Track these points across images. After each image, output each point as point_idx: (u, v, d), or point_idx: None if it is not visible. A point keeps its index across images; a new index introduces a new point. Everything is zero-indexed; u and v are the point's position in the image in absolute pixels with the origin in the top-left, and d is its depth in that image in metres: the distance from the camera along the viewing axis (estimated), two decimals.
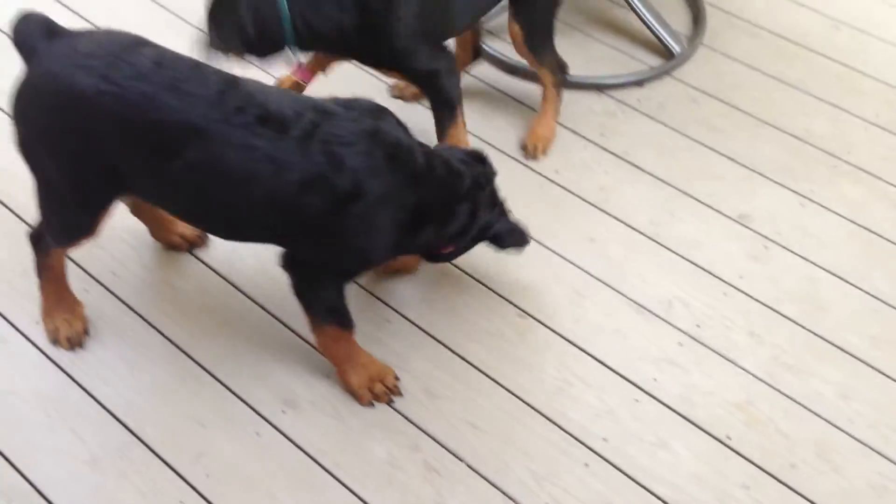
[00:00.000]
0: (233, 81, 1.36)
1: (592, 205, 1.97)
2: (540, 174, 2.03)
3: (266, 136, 1.32)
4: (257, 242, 1.57)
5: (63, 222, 1.50)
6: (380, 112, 1.46)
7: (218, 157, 1.31)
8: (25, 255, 1.62)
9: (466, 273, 1.81)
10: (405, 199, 1.42)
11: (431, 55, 1.81)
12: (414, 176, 1.43)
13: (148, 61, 1.32)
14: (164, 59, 1.34)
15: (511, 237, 1.65)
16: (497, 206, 1.64)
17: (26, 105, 1.36)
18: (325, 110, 1.39)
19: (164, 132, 1.31)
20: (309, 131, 1.34)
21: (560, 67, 2.06)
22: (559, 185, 2.01)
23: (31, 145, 1.39)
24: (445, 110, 1.85)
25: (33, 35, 1.34)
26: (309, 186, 1.34)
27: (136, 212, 1.71)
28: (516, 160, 2.05)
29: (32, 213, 1.80)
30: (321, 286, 1.49)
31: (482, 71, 2.26)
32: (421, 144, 1.49)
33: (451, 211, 1.52)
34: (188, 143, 1.31)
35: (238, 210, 1.39)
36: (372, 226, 1.41)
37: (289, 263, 1.49)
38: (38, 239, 1.55)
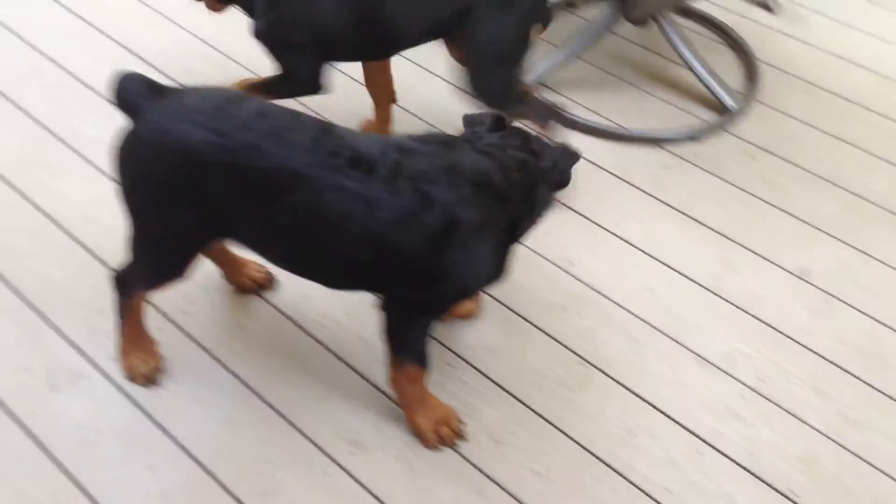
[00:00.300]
0: (327, 128, 1.42)
1: (649, 255, 2.00)
2: (597, 224, 2.06)
3: (357, 178, 1.37)
4: (355, 289, 1.60)
5: (155, 266, 1.56)
6: (453, 143, 1.50)
7: (315, 200, 1.37)
8: (105, 295, 1.68)
9: (526, 320, 1.84)
10: (497, 220, 1.46)
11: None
12: (500, 196, 1.46)
13: (251, 112, 1.39)
14: (266, 110, 1.41)
15: (568, 165, 1.56)
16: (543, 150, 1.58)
17: (132, 157, 1.42)
18: (406, 148, 1.44)
19: (266, 178, 1.36)
20: (395, 170, 1.39)
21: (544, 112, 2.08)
22: (616, 234, 2.04)
23: (133, 194, 1.46)
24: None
25: (137, 93, 1.41)
26: (402, 224, 1.39)
27: (210, 255, 1.77)
28: (574, 211, 2.09)
29: (112, 255, 1.89)
30: (412, 325, 1.53)
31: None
32: (489, 154, 1.49)
33: (533, 201, 1.52)
34: (288, 188, 1.37)
35: (335, 253, 1.44)
36: (472, 254, 1.45)
37: (386, 304, 1.53)
38: (122, 282, 1.61)
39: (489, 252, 1.47)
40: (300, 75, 1.99)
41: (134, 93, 1.41)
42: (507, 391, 1.71)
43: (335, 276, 1.52)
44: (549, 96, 2.36)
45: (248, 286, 1.84)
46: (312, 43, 1.93)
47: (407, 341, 1.54)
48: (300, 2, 1.89)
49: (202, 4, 2.03)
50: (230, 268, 1.82)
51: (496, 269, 1.51)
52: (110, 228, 1.95)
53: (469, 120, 1.58)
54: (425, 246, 1.40)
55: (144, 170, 1.42)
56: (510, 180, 1.47)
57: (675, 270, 1.97)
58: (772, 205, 2.14)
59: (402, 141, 1.47)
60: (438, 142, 1.48)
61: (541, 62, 2.42)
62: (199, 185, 1.39)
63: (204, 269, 1.82)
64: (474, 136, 1.52)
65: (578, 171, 2.16)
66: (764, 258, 2.00)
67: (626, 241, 2.03)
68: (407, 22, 1.92)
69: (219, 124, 1.37)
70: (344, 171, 1.37)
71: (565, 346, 1.80)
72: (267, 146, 1.36)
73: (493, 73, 1.98)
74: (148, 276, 1.58)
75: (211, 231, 1.49)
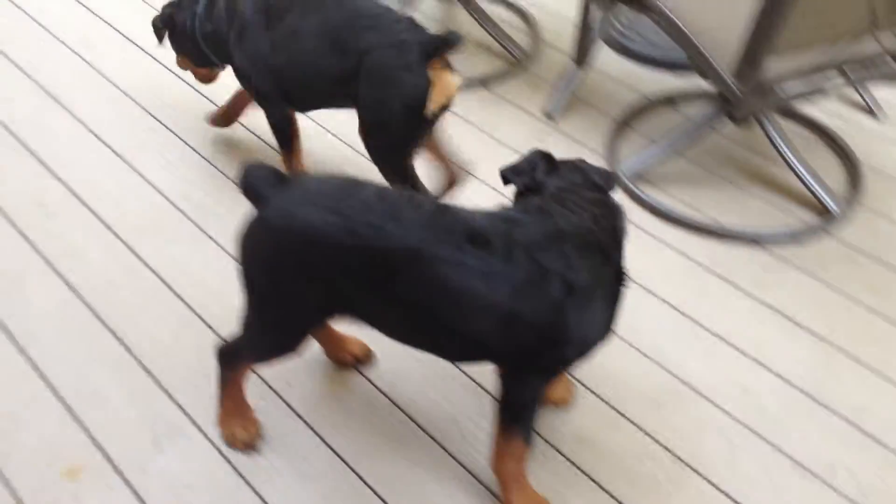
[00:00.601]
0: (442, 207, 1.49)
1: (746, 354, 1.97)
2: (691, 318, 2.05)
3: (475, 254, 1.42)
4: (473, 361, 1.65)
5: (269, 343, 1.62)
6: (544, 205, 1.54)
7: (436, 276, 1.42)
8: (209, 359, 1.74)
9: (620, 412, 1.83)
10: (604, 272, 1.51)
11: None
12: (601, 249, 1.50)
13: (371, 195, 1.46)
14: (384, 193, 1.49)
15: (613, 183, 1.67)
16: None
17: (259, 240, 1.51)
18: (512, 219, 1.49)
19: (388, 257, 1.43)
20: (508, 242, 1.44)
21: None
22: (711, 331, 2.03)
23: (257, 275, 1.53)
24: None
25: (263, 182, 1.50)
26: (522, 294, 1.43)
27: (319, 336, 1.84)
28: (670, 305, 2.09)
29: (218, 321, 1.97)
30: (528, 392, 1.55)
31: (639, 217, 2.34)
32: (574, 205, 1.53)
33: (620, 238, 1.58)
34: (409, 266, 1.43)
35: (456, 327, 1.48)
36: (589, 314, 1.49)
37: (505, 373, 1.56)
38: (228, 355, 1.67)
39: (603, 307, 1.52)
40: (271, 105, 2.21)
41: (260, 181, 1.50)
42: (599, 484, 1.70)
43: (454, 348, 1.56)
44: (648, 190, 2.39)
45: (348, 361, 1.89)
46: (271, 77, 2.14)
47: (521, 412, 1.56)
48: (253, 39, 2.11)
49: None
50: (331, 343, 1.88)
51: (610, 321, 1.55)
52: (218, 294, 2.04)
53: (515, 171, 1.64)
54: (545, 313, 1.45)
55: (270, 252, 1.49)
56: (602, 227, 1.53)
57: (773, 373, 1.94)
58: (878, 313, 2.09)
59: (506, 213, 1.53)
60: (534, 207, 1.53)
61: (639, 156, 2.46)
62: (323, 264, 1.45)
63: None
64: (540, 184, 1.58)
65: (674, 263, 2.20)
66: (870, 368, 1.95)
67: (722, 339, 2.01)
68: (299, 79, 2.10)
69: (341, 207, 1.44)
70: (462, 248, 1.42)
71: (659, 443, 1.78)
72: (388, 226, 1.42)
73: (379, 147, 2.06)
74: (260, 351, 1.65)
75: (330, 308, 1.55)
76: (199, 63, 2.32)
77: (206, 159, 2.44)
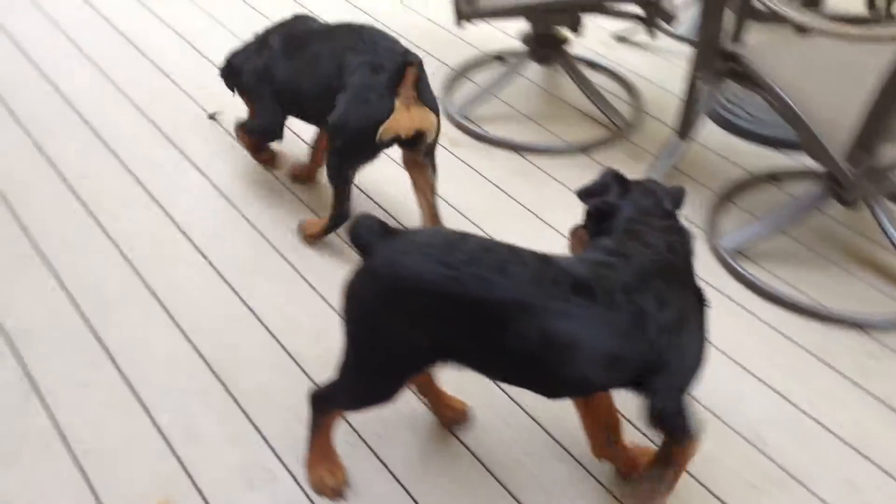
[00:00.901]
0: (545, 258, 1.53)
1: (850, 445, 1.90)
2: (792, 402, 1.99)
3: (580, 303, 1.47)
4: (578, 396, 1.69)
5: (367, 389, 1.64)
6: (625, 246, 1.58)
7: (543, 326, 1.46)
8: (303, 402, 1.76)
9: (716, 496, 1.78)
10: (691, 302, 1.59)
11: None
12: (685, 280, 1.60)
13: (476, 247, 1.50)
14: (489, 245, 1.53)
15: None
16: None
17: (365, 289, 1.54)
18: (606, 264, 1.54)
19: (496, 309, 1.46)
20: (608, 288, 1.49)
21: (340, 209, 2.28)
22: (813, 417, 1.96)
23: (362, 323, 1.56)
24: None
25: (371, 233, 1.55)
26: (627, 337, 1.49)
27: (421, 389, 1.85)
28: (770, 388, 2.03)
29: (311, 365, 2.00)
30: (680, 404, 1.60)
31: (739, 294, 2.29)
32: (652, 236, 1.61)
33: (691, 259, 1.66)
34: (517, 317, 1.46)
35: (563, 372, 1.51)
36: (685, 342, 1.57)
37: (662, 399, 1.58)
38: (321, 400, 1.70)
39: (694, 332, 1.60)
40: (270, 114, 2.45)
41: (368, 232, 1.55)
42: None
43: (559, 389, 1.62)
44: (748, 266, 2.35)
45: (447, 418, 1.89)
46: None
47: (683, 418, 1.60)
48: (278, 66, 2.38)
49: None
50: (435, 400, 1.88)
51: (703, 343, 1.61)
52: (313, 337, 2.09)
53: (589, 192, 1.70)
54: (646, 352, 1.51)
55: (376, 299, 1.52)
56: (677, 254, 1.60)
57: (879, 468, 1.86)
58: None
59: (596, 257, 1.57)
60: (618, 249, 1.58)
61: (741, 232, 2.43)
62: (428, 313, 1.48)
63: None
64: (613, 207, 1.65)
65: (775, 343, 2.15)
66: None
67: (824, 426, 1.94)
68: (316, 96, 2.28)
69: (448, 258, 1.47)
70: (569, 299, 1.47)
71: None
72: (494, 278, 1.45)
73: (329, 149, 2.26)
74: (356, 398, 1.67)
75: (432, 357, 1.57)
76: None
77: (305, 204, 2.52)
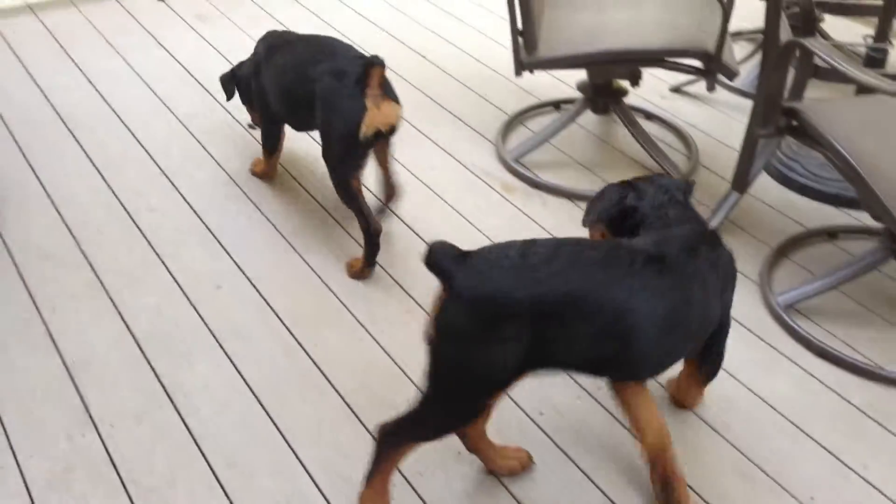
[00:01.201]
0: (613, 244, 1.67)
1: None
2: (843, 462, 1.95)
3: (655, 276, 1.60)
4: (669, 367, 1.79)
5: (453, 415, 1.67)
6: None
7: (631, 306, 1.57)
8: (349, 441, 1.78)
9: None
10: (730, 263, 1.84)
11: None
12: (716, 237, 1.81)
13: (548, 247, 1.58)
14: (559, 243, 1.61)
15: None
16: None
17: (457, 315, 1.56)
18: (660, 241, 1.69)
19: (581, 297, 1.55)
20: (675, 260, 1.64)
21: (365, 222, 2.39)
22: (865, 479, 1.92)
23: (456, 350, 1.59)
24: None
25: (447, 258, 1.58)
26: (710, 303, 1.71)
27: (473, 446, 1.85)
28: (823, 447, 2.00)
29: (360, 406, 2.02)
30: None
31: (792, 350, 2.27)
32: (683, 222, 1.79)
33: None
34: (603, 300, 1.55)
35: (654, 344, 1.63)
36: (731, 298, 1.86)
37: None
38: (392, 433, 1.70)
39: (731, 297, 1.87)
40: (268, 121, 2.68)
41: (444, 258, 1.58)
42: None
43: (647, 366, 1.72)
44: (802, 322, 2.32)
45: (507, 468, 1.89)
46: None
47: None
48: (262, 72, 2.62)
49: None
50: (488, 453, 1.87)
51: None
52: (361, 376, 2.11)
53: (605, 211, 1.88)
54: (717, 305, 1.77)
55: (470, 323, 1.55)
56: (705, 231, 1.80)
57: None
58: None
59: (649, 238, 1.72)
60: (660, 232, 1.75)
61: (796, 289, 2.40)
62: (520, 323, 1.53)
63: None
64: (634, 209, 1.82)
65: (828, 402, 2.12)
66: None
67: (878, 489, 1.90)
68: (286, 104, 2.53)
69: (526, 264, 1.54)
70: (641, 273, 1.59)
71: None
72: (571, 273, 1.55)
73: (329, 164, 2.41)
74: (438, 427, 1.69)
75: (524, 366, 1.60)
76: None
77: (354, 239, 2.56)
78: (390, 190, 2.63)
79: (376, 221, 2.40)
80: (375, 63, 2.26)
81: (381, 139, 2.40)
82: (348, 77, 2.28)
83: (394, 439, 1.70)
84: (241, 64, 2.78)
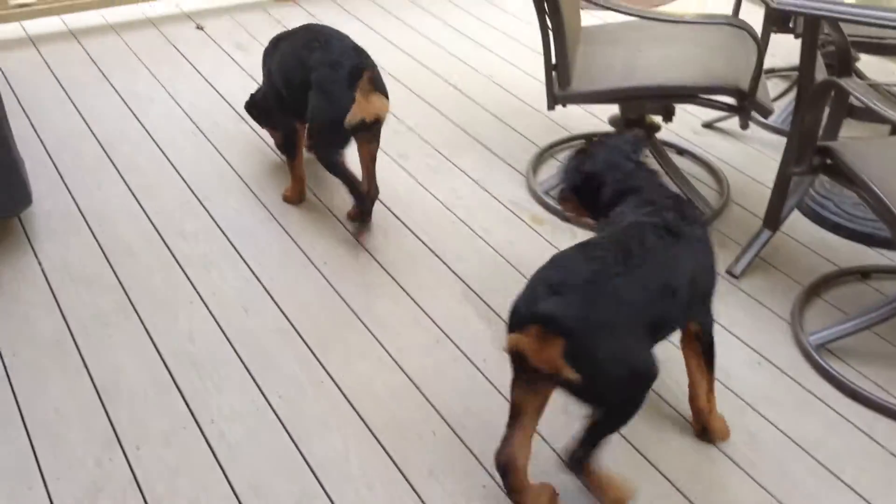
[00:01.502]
0: (636, 224, 1.81)
1: None
2: None
3: (668, 242, 1.78)
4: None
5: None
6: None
7: (686, 265, 1.82)
8: (372, 469, 1.77)
9: None
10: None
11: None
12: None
13: (605, 245, 1.75)
14: (609, 235, 1.82)
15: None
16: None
17: (590, 348, 1.62)
18: (659, 210, 1.85)
19: (655, 272, 1.74)
20: (679, 226, 1.82)
21: (351, 186, 2.64)
22: None
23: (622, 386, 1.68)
24: None
25: (536, 304, 1.62)
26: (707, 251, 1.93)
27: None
28: (855, 492, 1.96)
29: (385, 435, 2.01)
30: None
31: (824, 391, 2.24)
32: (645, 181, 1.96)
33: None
34: (673, 270, 1.79)
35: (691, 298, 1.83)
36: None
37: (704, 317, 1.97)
38: (578, 461, 1.73)
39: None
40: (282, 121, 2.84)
41: (533, 302, 1.63)
42: None
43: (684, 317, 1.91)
44: (834, 363, 2.29)
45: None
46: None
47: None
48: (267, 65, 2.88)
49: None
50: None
51: None
52: (388, 409, 2.11)
53: (570, 182, 2.00)
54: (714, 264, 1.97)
55: (590, 344, 1.61)
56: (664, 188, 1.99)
57: None
58: None
59: (643, 211, 1.86)
60: (647, 200, 1.91)
61: (829, 329, 2.37)
62: (633, 322, 1.68)
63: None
64: (594, 174, 1.97)
65: (860, 445, 2.08)
66: None
67: None
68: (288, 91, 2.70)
69: (604, 269, 1.67)
70: (667, 243, 1.77)
71: None
72: (638, 249, 1.73)
73: (314, 144, 2.62)
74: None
75: (654, 341, 1.77)
76: None
77: (389, 273, 2.57)
78: (370, 188, 2.75)
79: (361, 184, 2.65)
80: (366, 66, 2.53)
81: (366, 130, 2.57)
82: (342, 68, 2.51)
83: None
84: (258, 89, 2.97)
